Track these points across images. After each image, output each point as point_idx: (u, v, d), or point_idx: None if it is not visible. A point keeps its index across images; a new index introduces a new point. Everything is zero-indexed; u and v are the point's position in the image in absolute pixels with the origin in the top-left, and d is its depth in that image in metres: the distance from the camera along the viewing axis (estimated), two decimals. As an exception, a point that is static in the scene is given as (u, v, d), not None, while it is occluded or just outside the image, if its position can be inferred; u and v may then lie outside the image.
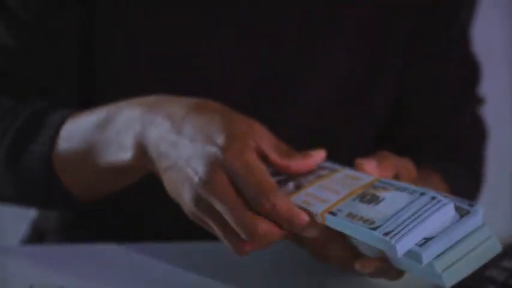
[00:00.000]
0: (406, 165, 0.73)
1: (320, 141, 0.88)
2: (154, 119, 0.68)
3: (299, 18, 0.85)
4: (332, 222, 0.64)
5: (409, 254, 0.61)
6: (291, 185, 0.68)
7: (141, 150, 0.69)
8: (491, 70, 2.19)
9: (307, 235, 0.65)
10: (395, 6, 0.88)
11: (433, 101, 0.96)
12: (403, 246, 0.60)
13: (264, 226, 0.63)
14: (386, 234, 0.61)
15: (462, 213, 0.63)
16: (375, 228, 0.61)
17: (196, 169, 0.64)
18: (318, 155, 0.69)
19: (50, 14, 0.82)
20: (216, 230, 0.66)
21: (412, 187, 0.65)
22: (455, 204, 0.64)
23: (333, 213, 0.64)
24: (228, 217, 0.64)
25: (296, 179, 0.69)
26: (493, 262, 0.73)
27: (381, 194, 0.65)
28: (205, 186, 0.64)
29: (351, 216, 0.63)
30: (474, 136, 1.00)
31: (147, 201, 0.70)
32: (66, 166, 0.76)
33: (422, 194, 0.64)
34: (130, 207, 0.85)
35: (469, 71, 0.98)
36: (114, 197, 0.80)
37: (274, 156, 0.68)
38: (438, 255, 0.61)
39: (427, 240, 0.61)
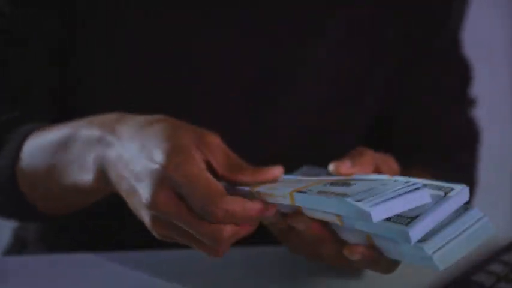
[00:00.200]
0: (386, 160, 0.71)
1: (316, 140, 0.88)
2: (111, 140, 0.67)
3: (298, 18, 0.84)
4: (302, 200, 0.61)
5: (396, 234, 0.58)
6: None
7: (101, 174, 0.67)
8: (491, 70, 2.20)
9: (292, 224, 0.64)
10: (390, 8, 0.88)
11: (425, 104, 0.95)
12: (377, 213, 0.57)
13: (228, 230, 0.61)
14: (359, 201, 0.58)
15: (447, 192, 0.61)
16: (347, 197, 0.58)
17: (144, 191, 0.62)
18: (272, 171, 0.65)
19: (24, 24, 0.82)
20: (186, 243, 0.64)
21: (387, 177, 0.63)
22: (438, 184, 0.62)
23: (302, 192, 0.61)
24: (189, 230, 0.62)
25: None
26: (481, 266, 0.72)
27: (353, 181, 0.62)
28: (154, 207, 0.62)
29: (322, 192, 0.60)
30: (467, 138, 1.00)
31: (128, 209, 0.69)
32: (30, 181, 0.75)
33: (395, 180, 0.62)
34: (111, 215, 0.84)
35: (460, 73, 0.97)
36: (92, 207, 0.79)
37: (221, 170, 0.65)
38: (426, 238, 0.58)
39: (412, 219, 0.58)
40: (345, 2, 0.85)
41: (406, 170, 0.76)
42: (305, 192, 0.61)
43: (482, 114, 2.08)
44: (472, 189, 0.99)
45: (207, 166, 0.64)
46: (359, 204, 0.57)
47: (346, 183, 0.61)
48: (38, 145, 0.74)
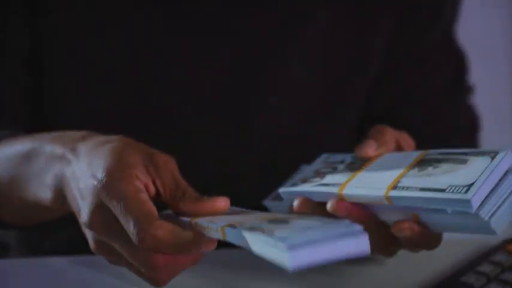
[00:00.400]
0: (403, 136, 0.71)
1: (305, 138, 0.88)
2: (70, 158, 0.65)
3: (270, 20, 0.83)
4: (232, 235, 0.56)
5: (456, 204, 0.57)
6: None
7: (59, 192, 0.65)
8: (491, 70, 2.19)
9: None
10: (373, 5, 0.87)
11: (421, 95, 0.94)
12: (294, 258, 0.50)
13: (160, 259, 0.58)
14: (282, 240, 0.51)
15: (493, 156, 0.60)
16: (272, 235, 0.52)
17: (83, 210, 0.60)
18: (216, 203, 0.61)
19: None
20: (128, 268, 0.61)
21: (327, 219, 0.57)
22: (481, 150, 0.61)
23: (233, 226, 0.56)
24: (123, 253, 0.59)
25: None
26: (470, 267, 0.71)
27: (293, 219, 0.57)
28: (91, 227, 0.59)
29: (252, 228, 0.55)
30: (466, 125, 0.99)
31: None
32: None
33: (337, 222, 0.56)
34: None
35: (456, 62, 0.96)
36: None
37: (166, 195, 0.62)
38: (480, 204, 0.57)
39: (468, 186, 0.57)
40: (318, 1, 0.84)
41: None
42: (236, 228, 0.56)
43: (482, 114, 2.07)
44: None
45: (155, 189, 0.61)
46: (280, 243, 0.50)
47: (285, 221, 0.57)
48: (3, 155, 0.73)
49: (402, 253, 0.72)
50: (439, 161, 0.63)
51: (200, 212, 0.60)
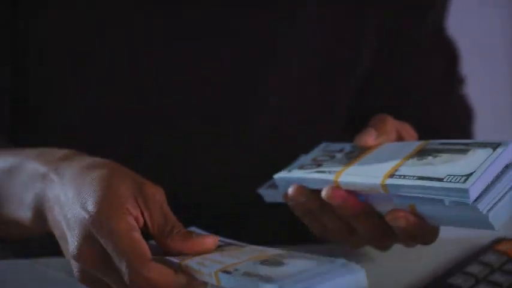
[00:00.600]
0: (404, 126, 0.70)
1: (294, 135, 0.86)
2: (53, 178, 0.63)
3: (259, 17, 0.82)
4: (226, 281, 0.55)
5: (453, 193, 0.56)
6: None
7: (39, 213, 0.63)
8: (491, 70, 2.18)
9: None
10: (363, 2, 0.86)
11: (414, 87, 0.93)
12: None
13: None
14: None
15: (494, 148, 0.58)
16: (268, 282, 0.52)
17: (71, 241, 0.58)
18: (204, 241, 0.59)
19: None
20: None
21: (323, 257, 0.57)
22: (483, 142, 0.59)
23: (227, 272, 0.55)
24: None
25: None
26: (459, 268, 0.69)
27: (287, 259, 0.56)
28: (79, 259, 0.57)
29: (247, 274, 0.55)
30: (459, 116, 0.98)
31: None
32: None
33: (331, 261, 0.56)
34: None
35: (447, 53, 0.95)
36: None
37: (154, 229, 0.60)
38: (478, 197, 0.56)
39: (467, 176, 0.56)
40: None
41: None
42: (230, 273, 0.55)
43: (482, 114, 2.06)
44: None
45: (144, 221, 0.59)
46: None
47: (278, 262, 0.56)
48: None
49: (388, 253, 0.71)
50: (439, 150, 0.61)
51: (189, 249, 0.58)
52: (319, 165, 0.66)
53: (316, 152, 0.71)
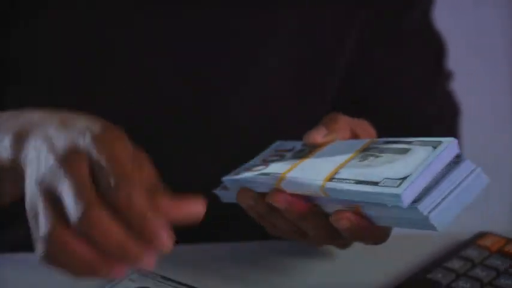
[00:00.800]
0: (361, 124, 0.68)
1: (276, 131, 0.85)
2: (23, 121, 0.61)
3: (242, 7, 0.80)
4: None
5: (386, 198, 0.54)
6: None
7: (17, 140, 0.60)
8: (491, 70, 2.16)
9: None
10: None
11: (399, 81, 0.91)
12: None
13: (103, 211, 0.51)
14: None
15: (435, 146, 0.56)
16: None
17: (56, 145, 0.55)
18: (194, 205, 0.55)
19: None
20: (41, 218, 0.53)
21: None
22: (425, 140, 0.58)
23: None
24: (66, 193, 0.52)
25: None
26: (438, 263, 0.67)
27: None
28: (60, 160, 0.54)
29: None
30: (445, 111, 0.96)
31: None
32: None
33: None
34: None
35: (434, 47, 0.93)
36: None
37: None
38: (420, 198, 0.54)
39: (402, 179, 0.54)
40: None
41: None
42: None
43: (482, 114, 2.05)
44: None
45: None
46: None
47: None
48: None
49: (366, 249, 0.69)
50: (382, 150, 0.60)
51: (176, 214, 0.54)
52: (266, 166, 0.65)
53: (268, 152, 0.69)
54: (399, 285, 0.65)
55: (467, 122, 1.98)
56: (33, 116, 0.63)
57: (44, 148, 0.57)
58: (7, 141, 0.62)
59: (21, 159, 0.60)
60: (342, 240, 0.64)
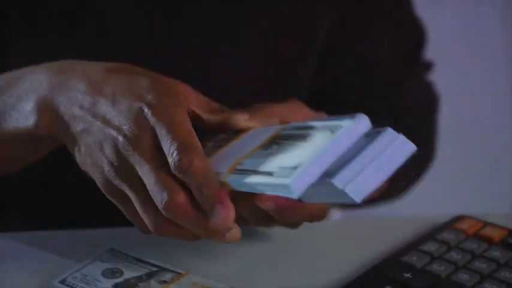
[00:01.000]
0: (292, 109, 0.66)
1: None
2: (65, 81, 0.62)
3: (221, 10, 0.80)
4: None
5: (280, 190, 0.53)
6: None
7: (48, 116, 0.62)
8: (491, 70, 2.15)
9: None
10: None
11: (375, 69, 0.90)
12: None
13: (182, 196, 0.56)
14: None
15: (333, 130, 0.55)
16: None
17: (121, 127, 0.58)
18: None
19: None
20: (132, 198, 0.59)
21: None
22: (326, 123, 0.56)
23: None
24: (147, 179, 0.57)
25: None
26: (413, 246, 0.66)
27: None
28: (131, 143, 0.57)
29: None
30: (422, 102, 0.95)
31: (77, 185, 0.64)
32: None
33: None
34: (59, 192, 0.80)
35: (413, 35, 0.92)
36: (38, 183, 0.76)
37: (206, 114, 0.62)
38: (336, 172, 0.53)
39: (294, 168, 0.53)
40: None
41: None
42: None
43: (482, 114, 2.04)
44: (428, 155, 0.95)
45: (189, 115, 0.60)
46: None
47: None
48: None
49: (341, 232, 0.69)
50: (287, 137, 0.58)
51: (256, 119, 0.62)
52: None
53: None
54: (373, 267, 0.65)
55: (467, 122, 1.98)
56: (50, 77, 0.64)
57: (98, 122, 0.60)
58: (28, 106, 0.63)
59: (59, 130, 0.62)
60: (275, 222, 0.63)
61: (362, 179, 0.53)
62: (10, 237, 0.70)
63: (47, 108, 0.63)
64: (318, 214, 0.62)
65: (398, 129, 0.88)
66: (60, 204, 0.82)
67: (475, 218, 0.70)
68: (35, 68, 0.66)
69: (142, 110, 0.58)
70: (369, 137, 0.55)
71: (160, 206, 0.57)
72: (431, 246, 0.66)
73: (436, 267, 0.64)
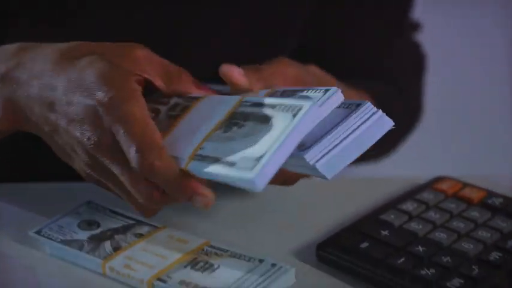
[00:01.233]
0: (278, 72, 0.64)
1: None
2: (18, 79, 0.61)
3: None
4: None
5: (243, 183, 0.52)
6: None
7: (12, 115, 0.62)
8: (491, 70, 2.15)
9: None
10: None
11: (363, 30, 0.90)
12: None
13: (156, 195, 0.57)
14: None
15: (294, 113, 0.53)
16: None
17: (83, 131, 0.58)
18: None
19: None
20: (117, 192, 0.60)
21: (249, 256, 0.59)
22: (287, 103, 0.54)
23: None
24: (121, 179, 0.58)
25: None
26: (391, 205, 0.66)
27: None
28: (96, 148, 0.57)
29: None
30: (410, 62, 0.95)
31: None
32: None
33: (260, 261, 0.59)
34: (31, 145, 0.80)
35: None
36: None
37: (161, 83, 0.61)
38: (310, 146, 0.53)
39: (258, 160, 0.52)
40: None
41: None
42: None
43: (482, 114, 2.03)
44: (415, 115, 0.95)
45: (144, 83, 0.60)
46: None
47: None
48: None
49: (323, 190, 0.69)
50: (246, 117, 0.56)
51: (200, 90, 0.61)
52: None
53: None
54: (351, 224, 0.65)
55: (467, 122, 1.98)
56: (8, 72, 0.63)
57: (62, 124, 0.59)
58: None
59: (27, 127, 0.62)
60: None
61: (334, 156, 0.53)
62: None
63: (9, 109, 0.62)
64: (291, 180, 0.62)
65: (388, 88, 0.87)
66: (38, 156, 0.82)
67: (455, 179, 0.70)
68: None
69: (97, 110, 0.57)
70: (348, 109, 0.55)
71: (141, 202, 0.58)
72: (410, 206, 0.66)
73: (414, 225, 0.64)
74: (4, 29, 0.77)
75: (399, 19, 0.92)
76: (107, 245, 0.62)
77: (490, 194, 0.67)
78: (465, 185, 0.69)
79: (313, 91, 0.55)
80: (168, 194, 0.57)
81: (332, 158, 0.53)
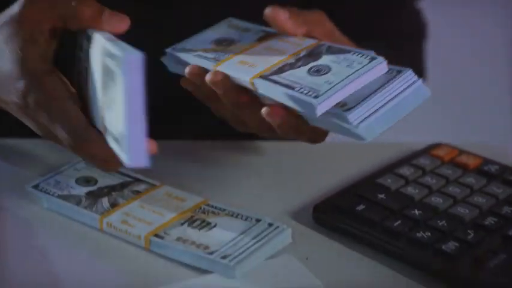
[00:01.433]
0: (319, 20, 0.65)
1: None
2: None
3: None
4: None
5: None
6: None
7: None
8: (491, 70, 2.16)
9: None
10: None
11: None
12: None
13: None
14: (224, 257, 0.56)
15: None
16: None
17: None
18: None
19: None
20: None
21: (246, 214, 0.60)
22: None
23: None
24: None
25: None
26: (388, 169, 0.67)
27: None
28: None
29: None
30: (414, 29, 0.94)
31: None
32: None
33: (257, 220, 0.60)
34: None
35: None
36: None
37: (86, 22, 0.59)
38: (353, 106, 0.54)
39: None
40: None
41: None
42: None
43: (482, 114, 2.04)
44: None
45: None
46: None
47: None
48: None
49: (321, 152, 0.69)
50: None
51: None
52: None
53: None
54: (348, 186, 0.65)
55: (467, 122, 1.98)
56: None
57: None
58: None
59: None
60: (277, 135, 0.62)
61: (375, 119, 0.54)
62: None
63: None
64: (315, 138, 0.62)
65: (391, 53, 0.87)
66: None
67: (451, 146, 0.70)
68: None
69: (36, 111, 0.59)
70: (389, 74, 0.56)
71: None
72: (406, 171, 0.66)
73: (410, 190, 0.64)
74: None
75: None
76: (105, 201, 0.62)
77: (486, 161, 0.68)
78: (462, 151, 0.69)
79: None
80: None
81: (373, 121, 0.54)
